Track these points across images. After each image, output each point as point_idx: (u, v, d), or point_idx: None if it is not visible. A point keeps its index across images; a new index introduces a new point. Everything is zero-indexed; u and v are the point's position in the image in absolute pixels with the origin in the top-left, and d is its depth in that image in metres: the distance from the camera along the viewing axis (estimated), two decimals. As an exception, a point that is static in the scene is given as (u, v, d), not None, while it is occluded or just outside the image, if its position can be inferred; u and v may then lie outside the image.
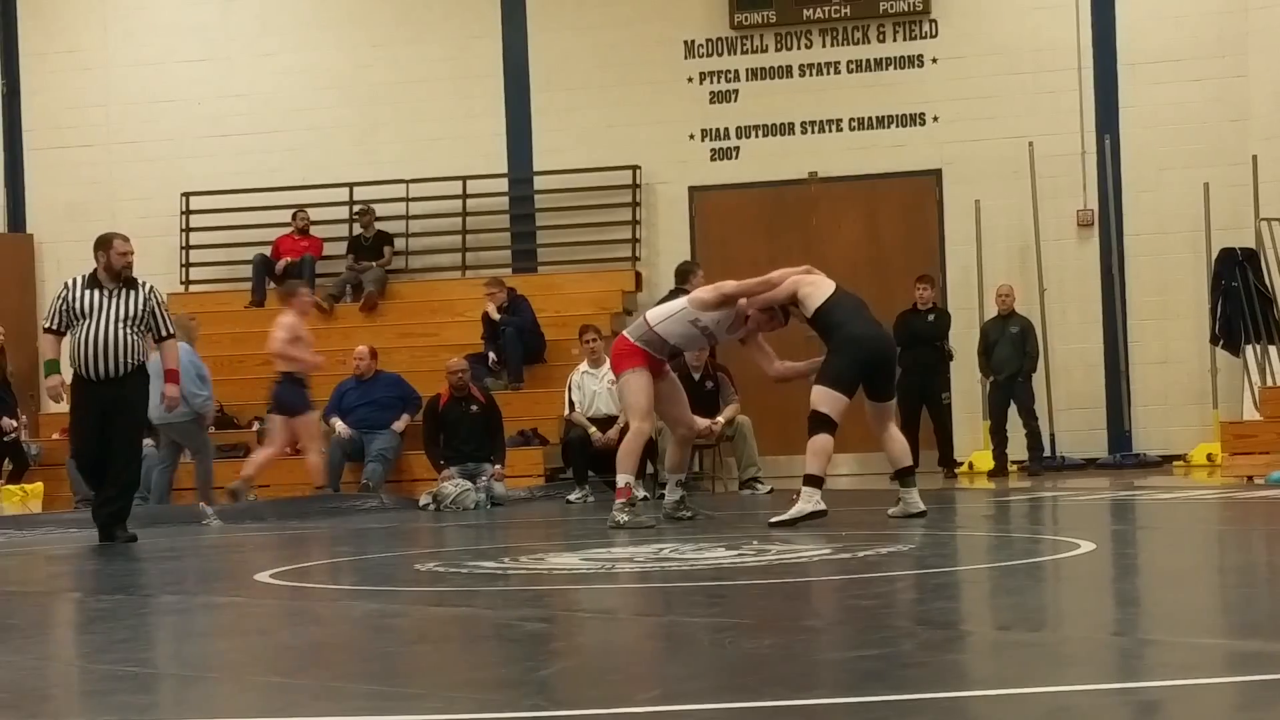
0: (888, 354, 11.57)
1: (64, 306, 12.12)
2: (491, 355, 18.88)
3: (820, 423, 11.16)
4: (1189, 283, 19.42)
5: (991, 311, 18.76)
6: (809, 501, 11.02)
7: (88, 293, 12.11)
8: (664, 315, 11.67)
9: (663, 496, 15.96)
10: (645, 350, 11.54)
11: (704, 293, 11.68)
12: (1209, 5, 19.63)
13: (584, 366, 16.99)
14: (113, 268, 12.19)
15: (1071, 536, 9.55)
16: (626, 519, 11.35)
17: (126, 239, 12.43)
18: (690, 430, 12.33)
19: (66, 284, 12.30)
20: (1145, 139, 19.61)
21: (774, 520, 11.03)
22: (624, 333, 11.95)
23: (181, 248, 21.57)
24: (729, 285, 11.58)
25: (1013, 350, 18.20)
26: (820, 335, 11.42)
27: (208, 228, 21.51)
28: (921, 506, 11.42)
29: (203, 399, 16.19)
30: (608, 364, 16.32)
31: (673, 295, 16.61)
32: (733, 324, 11.62)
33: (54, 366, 12.25)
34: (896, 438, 11.73)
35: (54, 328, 12.24)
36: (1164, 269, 19.58)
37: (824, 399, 11.14)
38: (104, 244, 12.33)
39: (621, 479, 11.63)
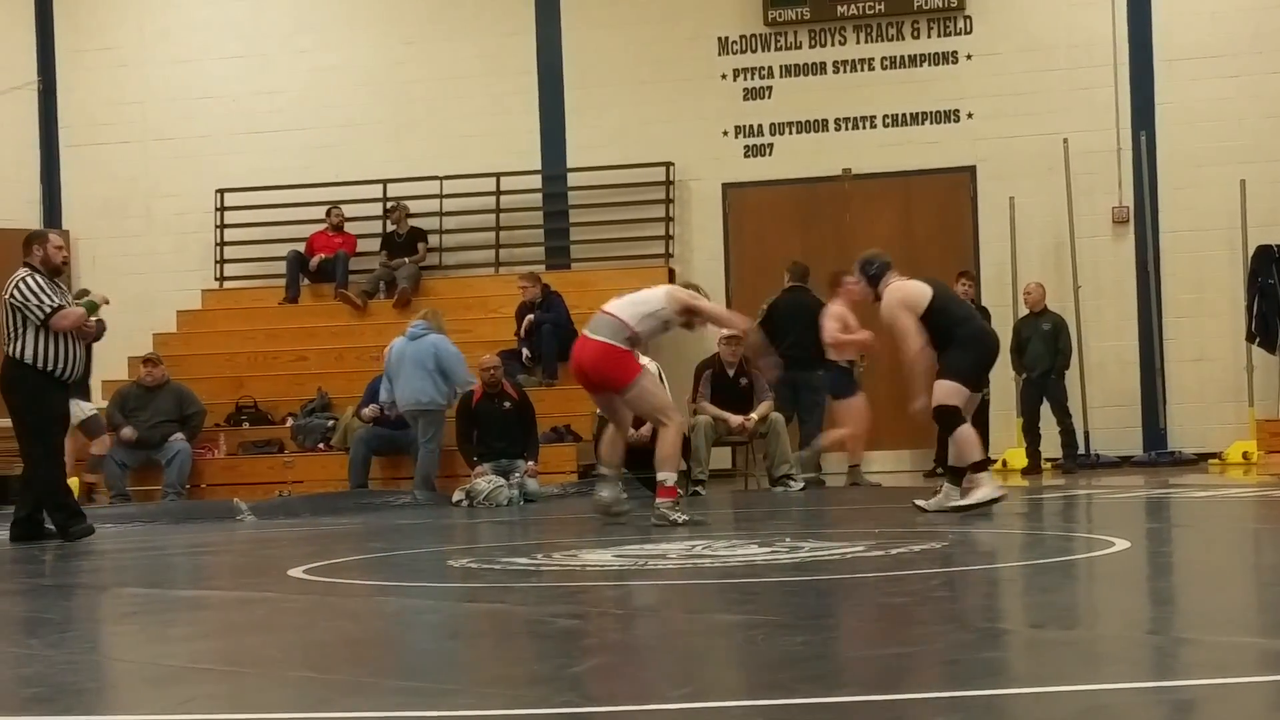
0: (998, 350, 12.06)
1: (49, 300, 11.83)
2: (525, 351, 18.87)
3: (952, 415, 11.39)
4: (1225, 280, 19.35)
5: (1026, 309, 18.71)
6: (990, 486, 11.30)
7: (57, 289, 11.98)
8: (642, 314, 11.66)
9: (696, 493, 16.02)
10: (631, 351, 11.60)
11: (683, 296, 11.88)
12: (1246, 1, 19.55)
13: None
14: (51, 262, 12.01)
15: (1106, 534, 9.52)
16: (685, 517, 11.38)
17: (59, 234, 12.31)
18: (683, 416, 12.48)
19: (37, 281, 11.88)
20: (1181, 136, 19.54)
21: (959, 505, 11.27)
22: (603, 339, 11.64)
23: (216, 244, 21.63)
24: (704, 305, 12.02)
25: (1045, 348, 18.14)
26: (938, 333, 11.50)
27: (242, 224, 21.56)
28: (958, 501, 11.54)
29: (461, 386, 16.64)
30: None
31: (791, 294, 16.88)
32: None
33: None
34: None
35: (61, 304, 11.95)
36: (1200, 266, 19.51)
37: (952, 393, 11.37)
38: (40, 239, 12.14)
39: (669, 478, 11.60)
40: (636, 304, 11.78)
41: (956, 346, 11.44)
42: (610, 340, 11.59)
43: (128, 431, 17.68)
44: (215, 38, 21.85)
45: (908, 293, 11.58)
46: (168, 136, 21.85)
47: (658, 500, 11.59)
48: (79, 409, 17.08)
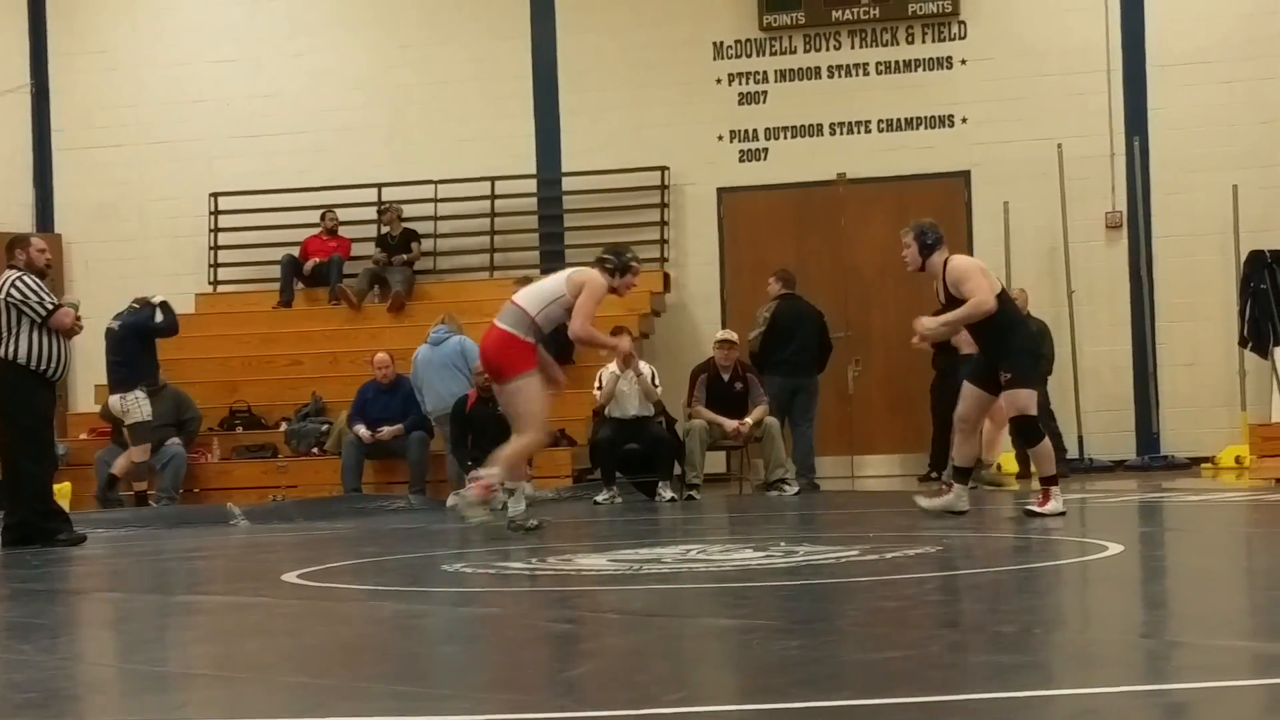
0: None
1: (49, 297, 11.98)
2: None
3: (1034, 428, 11.62)
4: (1217, 285, 19.36)
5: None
6: (1058, 500, 11.36)
7: (45, 289, 12.05)
8: (542, 302, 11.48)
9: (690, 498, 16.03)
10: (534, 345, 11.40)
11: (578, 279, 11.54)
12: (1239, 7, 19.58)
13: (612, 367, 16.96)
14: (35, 265, 12.11)
15: (1099, 538, 9.53)
16: (483, 518, 11.31)
17: (41, 238, 12.54)
18: (548, 437, 12.04)
19: (33, 279, 12.04)
20: (1174, 141, 19.55)
21: (1030, 509, 11.39)
22: (505, 327, 11.53)
23: (210, 248, 21.60)
24: (579, 301, 11.42)
25: (1029, 353, 18.16)
26: (994, 326, 11.35)
27: (236, 228, 21.54)
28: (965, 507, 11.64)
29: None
30: (638, 364, 16.35)
31: (787, 301, 16.82)
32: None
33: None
34: (977, 438, 12.23)
35: (58, 303, 12.15)
36: (1192, 271, 19.52)
37: (1030, 401, 11.48)
38: (22, 243, 12.30)
39: (492, 474, 11.42)
40: (538, 292, 11.65)
41: (1019, 351, 11.38)
42: (510, 329, 11.45)
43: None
44: (209, 41, 21.84)
45: (986, 267, 11.63)
46: (161, 140, 21.82)
47: (463, 490, 11.47)
48: (139, 410, 17.02)
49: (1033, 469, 12.43)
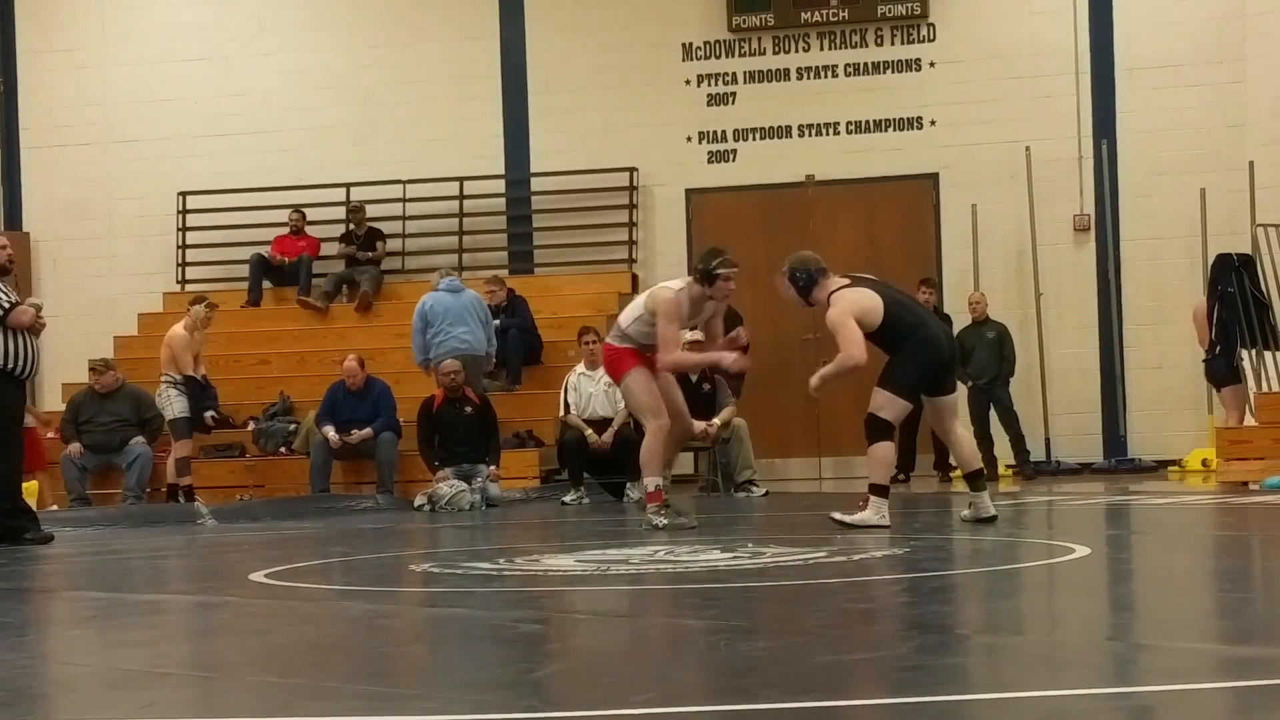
0: (954, 351, 11.48)
1: (5, 296, 11.86)
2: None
3: (883, 429, 10.89)
4: (1185, 288, 19.41)
5: (994, 315, 18.71)
6: (875, 513, 10.75)
7: (5, 286, 11.95)
8: (631, 316, 11.60)
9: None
10: (634, 349, 11.53)
11: (651, 305, 11.40)
12: (1207, 11, 19.64)
13: (580, 368, 16.99)
14: None
15: (1066, 541, 9.55)
16: (666, 521, 11.27)
17: (4, 236, 12.43)
18: (685, 427, 12.15)
19: None
20: (1142, 144, 19.61)
21: (836, 517, 10.91)
22: (607, 339, 11.97)
23: (178, 247, 21.55)
24: (659, 328, 11.34)
25: (990, 356, 18.25)
26: (887, 345, 10.99)
27: (204, 227, 21.49)
28: (992, 511, 11.04)
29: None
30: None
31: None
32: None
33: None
34: (965, 439, 11.57)
35: (18, 301, 11.99)
36: (1160, 274, 19.58)
37: (889, 405, 10.87)
38: None
39: (651, 482, 11.50)
40: (629, 309, 11.81)
41: (904, 355, 10.92)
42: (609, 340, 11.84)
43: (75, 447, 17.61)
44: (178, 40, 21.78)
45: (863, 307, 10.95)
46: (129, 139, 21.76)
47: (647, 514, 11.51)
48: (170, 408, 17.01)
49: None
